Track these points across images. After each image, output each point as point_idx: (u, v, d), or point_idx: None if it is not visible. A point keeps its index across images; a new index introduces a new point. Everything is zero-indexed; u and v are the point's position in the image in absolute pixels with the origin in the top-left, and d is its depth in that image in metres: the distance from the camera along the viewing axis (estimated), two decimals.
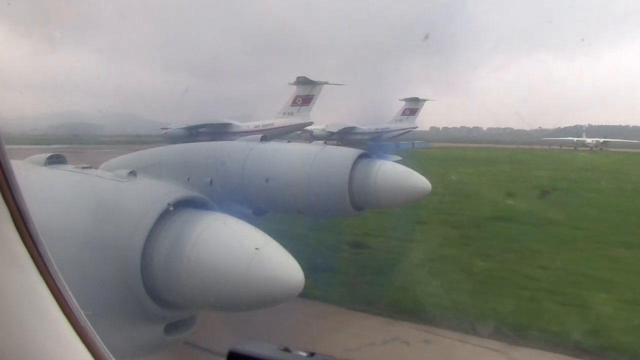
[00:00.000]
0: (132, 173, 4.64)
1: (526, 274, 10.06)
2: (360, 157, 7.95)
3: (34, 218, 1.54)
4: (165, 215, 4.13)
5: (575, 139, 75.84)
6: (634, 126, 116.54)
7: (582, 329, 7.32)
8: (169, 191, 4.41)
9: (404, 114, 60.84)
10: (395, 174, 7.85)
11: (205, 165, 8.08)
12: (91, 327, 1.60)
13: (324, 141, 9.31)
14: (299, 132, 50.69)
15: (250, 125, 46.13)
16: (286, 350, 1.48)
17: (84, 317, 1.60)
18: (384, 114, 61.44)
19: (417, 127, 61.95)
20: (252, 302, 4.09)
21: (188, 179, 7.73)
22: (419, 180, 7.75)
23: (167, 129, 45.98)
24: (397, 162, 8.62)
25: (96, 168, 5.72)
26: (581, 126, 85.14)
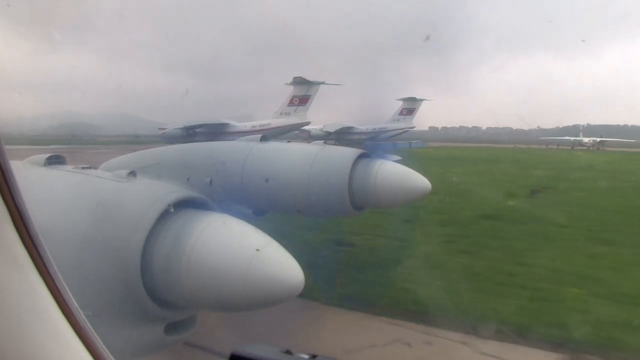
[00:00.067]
0: (132, 173, 4.64)
1: (503, 270, 10.26)
2: (360, 157, 7.95)
3: (33, 218, 1.54)
4: (165, 216, 4.13)
5: (572, 138, 75.98)
6: (632, 125, 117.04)
7: (545, 322, 7.56)
8: (168, 191, 4.41)
9: (401, 113, 61.00)
10: (395, 173, 7.85)
11: (205, 166, 8.08)
12: (91, 327, 1.60)
13: (323, 141, 9.32)
14: (297, 132, 50.76)
15: (247, 125, 46.16)
16: (288, 352, 1.48)
17: (84, 317, 1.59)
18: (383, 113, 61.70)
19: (414, 127, 62.07)
20: (252, 302, 4.09)
21: (188, 179, 7.73)
22: (419, 180, 7.75)
23: (164, 129, 45.99)
24: (397, 161, 8.63)
25: (96, 168, 5.72)
26: (580, 125, 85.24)
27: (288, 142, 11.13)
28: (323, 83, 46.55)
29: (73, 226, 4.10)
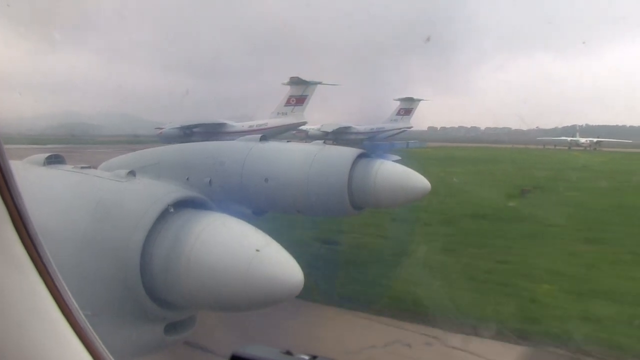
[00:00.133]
0: (131, 173, 4.64)
1: (483, 267, 10.42)
2: (360, 156, 7.95)
3: (32, 218, 1.53)
4: (164, 216, 4.12)
5: (569, 138, 76.08)
6: (630, 126, 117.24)
7: (515, 317, 7.77)
8: (168, 191, 4.40)
9: (398, 113, 61.12)
10: (394, 173, 7.85)
11: (205, 165, 8.08)
12: (90, 327, 1.59)
13: (323, 141, 9.32)
14: (294, 132, 50.81)
15: (244, 125, 46.20)
16: (288, 353, 1.48)
17: (83, 317, 1.59)
18: (384, 113, 61.88)
19: (412, 127, 62.15)
20: (251, 302, 4.08)
21: (187, 179, 7.72)
22: (419, 180, 7.75)
23: (161, 129, 46.04)
24: (397, 161, 8.63)
25: (95, 168, 5.71)
26: (580, 126, 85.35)
27: (288, 142, 11.13)
28: (320, 83, 46.61)
29: (72, 226, 4.09)
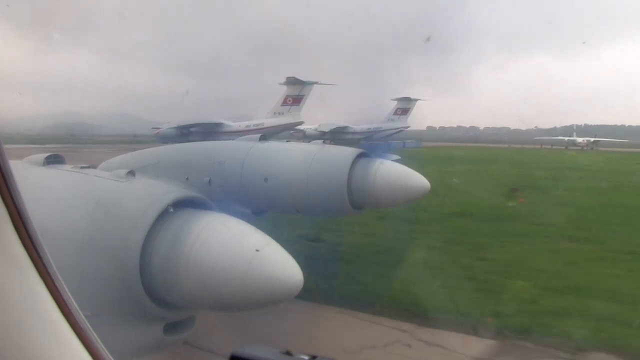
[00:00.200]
0: (131, 173, 4.63)
1: (461, 264, 10.52)
2: (359, 156, 7.95)
3: (32, 218, 1.53)
4: (163, 215, 4.12)
5: (566, 138, 76.14)
6: (629, 125, 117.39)
7: (482, 311, 7.98)
8: (167, 191, 4.40)
9: (395, 113, 61.28)
10: (394, 173, 7.86)
11: (204, 165, 8.08)
12: (90, 327, 1.59)
13: (322, 140, 9.32)
14: (292, 131, 50.91)
15: (241, 125, 46.34)
16: (288, 353, 1.48)
17: (83, 317, 1.59)
18: (383, 113, 61.99)
19: (409, 127, 62.27)
20: (251, 302, 4.08)
21: (187, 178, 7.72)
22: (418, 180, 7.76)
23: (158, 128, 46.09)
24: (396, 161, 8.64)
25: (95, 168, 5.70)
26: (578, 125, 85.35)
27: (287, 142, 11.14)
28: (316, 83, 46.72)
29: (72, 226, 4.09)
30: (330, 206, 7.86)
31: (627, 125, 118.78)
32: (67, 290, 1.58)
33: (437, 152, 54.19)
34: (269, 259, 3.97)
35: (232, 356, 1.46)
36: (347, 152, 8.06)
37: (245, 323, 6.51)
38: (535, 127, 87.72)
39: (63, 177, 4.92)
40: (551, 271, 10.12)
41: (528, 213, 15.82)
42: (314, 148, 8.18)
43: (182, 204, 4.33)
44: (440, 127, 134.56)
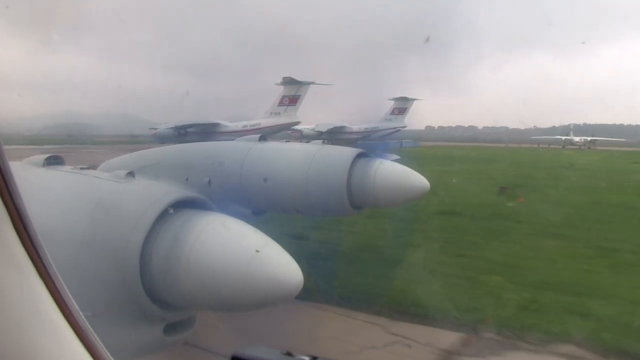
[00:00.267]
0: (131, 174, 4.63)
1: (441, 261, 10.60)
2: (359, 156, 7.95)
3: (32, 219, 1.53)
4: (163, 216, 4.12)
5: (563, 137, 76.23)
6: (628, 125, 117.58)
7: (455, 305, 8.05)
8: (167, 192, 4.40)
9: (393, 113, 61.32)
10: (394, 173, 7.86)
11: (204, 166, 8.08)
12: (90, 328, 1.60)
13: (322, 140, 9.32)
14: (289, 131, 50.95)
15: (238, 125, 46.38)
16: (288, 354, 1.48)
17: (83, 318, 1.59)
18: (383, 113, 62.02)
19: (406, 126, 62.30)
20: (251, 302, 4.09)
21: (187, 179, 7.72)
22: (418, 180, 7.76)
23: (156, 129, 46.08)
24: (396, 161, 8.64)
25: (94, 169, 5.71)
26: (577, 125, 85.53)
27: (287, 142, 11.14)
28: (313, 83, 46.79)
29: (72, 227, 4.09)
30: (329, 206, 7.86)
31: (626, 124, 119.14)
32: (67, 290, 1.58)
33: (434, 152, 54.21)
34: (269, 260, 3.97)
35: (233, 357, 1.47)
36: (347, 152, 8.06)
37: (245, 323, 6.51)
38: (534, 126, 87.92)
39: (63, 178, 4.92)
40: (528, 267, 10.32)
41: (514, 211, 15.94)
42: (314, 148, 8.19)
43: (182, 205, 4.33)
44: (439, 126, 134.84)
